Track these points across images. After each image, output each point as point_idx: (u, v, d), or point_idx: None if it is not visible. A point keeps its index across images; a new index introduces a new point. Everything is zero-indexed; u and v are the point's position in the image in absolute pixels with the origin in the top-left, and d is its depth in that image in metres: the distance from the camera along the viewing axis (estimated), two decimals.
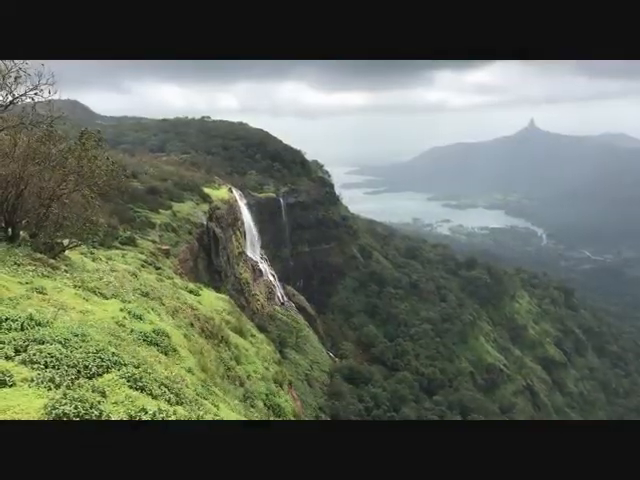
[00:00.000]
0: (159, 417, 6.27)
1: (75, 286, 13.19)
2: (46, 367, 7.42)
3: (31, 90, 15.26)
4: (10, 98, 15.87)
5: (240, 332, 20.00)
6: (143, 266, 28.79)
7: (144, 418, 6.19)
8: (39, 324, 8.84)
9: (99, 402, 6.66)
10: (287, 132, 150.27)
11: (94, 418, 6.24)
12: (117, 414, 6.33)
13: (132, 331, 11.08)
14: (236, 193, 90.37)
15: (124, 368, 8.13)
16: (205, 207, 71.76)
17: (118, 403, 7.04)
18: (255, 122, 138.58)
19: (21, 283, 11.86)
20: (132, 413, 6.37)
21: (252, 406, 14.07)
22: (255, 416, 12.82)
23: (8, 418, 5.99)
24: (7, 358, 7.55)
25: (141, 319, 12.22)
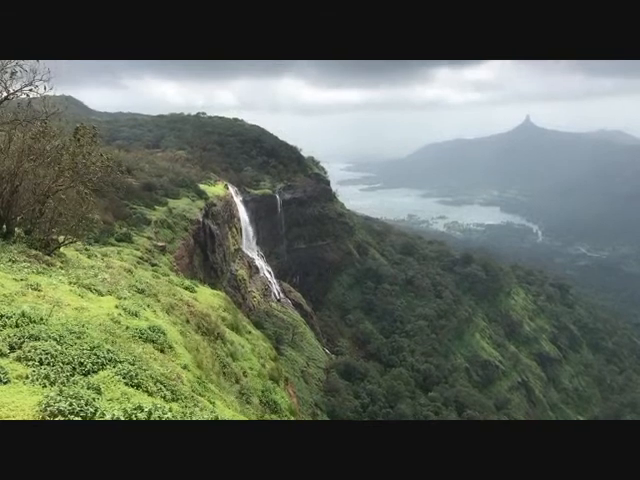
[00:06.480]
0: (155, 415, 6.25)
1: (70, 283, 13.14)
2: (41, 364, 7.39)
3: (26, 86, 15.17)
4: (5, 94, 15.78)
5: (236, 329, 19.98)
6: (139, 263, 28.74)
7: (140, 416, 6.16)
8: (34, 321, 8.81)
9: (94, 399, 6.64)
10: (284, 128, 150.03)
11: (89, 415, 6.22)
12: (112, 411, 6.30)
13: (127, 328, 11.05)
14: (232, 189, 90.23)
15: (119, 365, 8.11)
16: (201, 203, 71.58)
17: (114, 400, 7.02)
18: (253, 118, 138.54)
19: (16, 280, 11.82)
20: (129, 411, 6.35)
21: (248, 402, 14.07)
22: (251, 412, 12.82)
23: (3, 415, 5.97)
24: (2, 355, 7.53)
25: (137, 316, 12.19)
